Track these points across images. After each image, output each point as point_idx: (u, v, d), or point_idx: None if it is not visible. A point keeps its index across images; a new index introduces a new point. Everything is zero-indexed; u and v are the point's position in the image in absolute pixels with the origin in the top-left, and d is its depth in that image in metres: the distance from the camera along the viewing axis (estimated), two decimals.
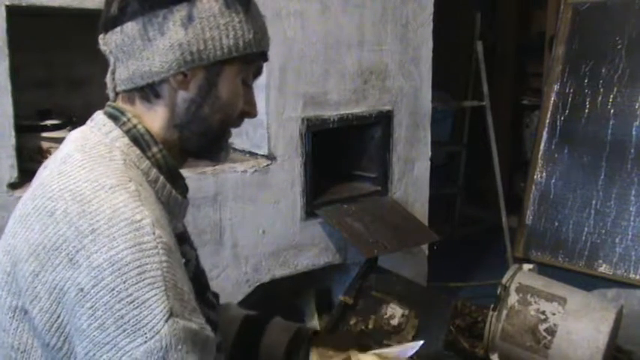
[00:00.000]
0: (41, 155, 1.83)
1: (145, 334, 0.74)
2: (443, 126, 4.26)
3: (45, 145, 1.83)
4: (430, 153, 2.66)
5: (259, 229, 2.14)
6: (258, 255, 2.14)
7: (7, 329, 0.84)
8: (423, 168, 2.64)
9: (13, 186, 1.65)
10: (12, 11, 1.58)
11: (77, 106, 2.06)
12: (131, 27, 0.89)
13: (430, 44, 2.56)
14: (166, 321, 0.75)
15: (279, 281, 2.23)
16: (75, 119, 1.93)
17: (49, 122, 1.85)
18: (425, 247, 2.67)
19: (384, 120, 2.44)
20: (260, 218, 2.13)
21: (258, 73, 1.00)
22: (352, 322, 2.03)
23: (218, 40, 0.89)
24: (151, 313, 0.75)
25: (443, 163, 4.20)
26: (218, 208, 2.01)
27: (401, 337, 1.96)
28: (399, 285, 2.12)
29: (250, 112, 0.99)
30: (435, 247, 2.73)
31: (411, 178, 2.59)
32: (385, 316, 2.03)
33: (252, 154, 2.19)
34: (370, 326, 2.01)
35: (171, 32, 0.88)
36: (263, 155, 2.15)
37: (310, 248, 2.28)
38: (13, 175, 1.65)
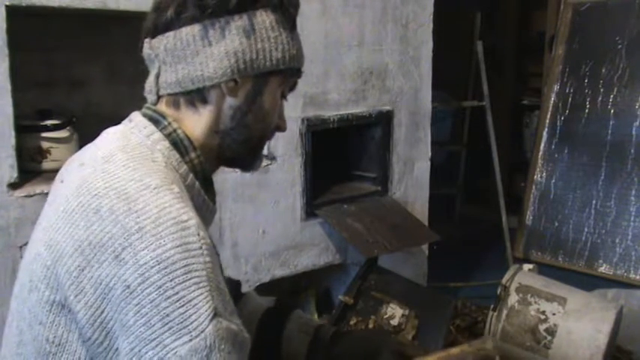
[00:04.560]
0: (41, 155, 1.82)
1: (191, 332, 0.76)
2: (443, 126, 4.26)
3: (45, 145, 1.83)
4: (430, 153, 2.66)
5: (259, 229, 2.14)
6: (258, 255, 2.15)
7: (44, 322, 0.84)
8: (423, 168, 2.64)
9: (13, 186, 1.65)
10: (12, 11, 1.58)
11: (77, 106, 2.06)
12: (185, 32, 0.91)
13: (430, 44, 2.56)
14: (211, 320, 0.77)
15: (279, 281, 2.23)
16: (75, 119, 1.93)
17: (49, 122, 1.84)
18: (425, 247, 2.67)
19: (384, 120, 2.44)
20: (260, 218, 2.13)
21: (292, 88, 1.05)
22: (352, 322, 2.02)
23: (269, 52, 0.93)
24: (196, 312, 0.76)
25: (442, 163, 4.20)
26: (218, 208, 2.00)
27: (401, 337, 1.96)
28: (399, 285, 2.12)
29: (281, 125, 1.04)
30: (435, 247, 2.73)
31: (411, 178, 2.60)
32: (385, 316, 2.03)
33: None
34: (370, 326, 2.01)
35: (228, 40, 0.90)
36: (263, 155, 2.15)
37: (310, 248, 2.28)
38: (13, 175, 1.65)
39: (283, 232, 2.20)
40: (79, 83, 2.09)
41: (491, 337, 1.44)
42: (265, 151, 2.14)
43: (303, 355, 1.21)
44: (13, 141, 1.64)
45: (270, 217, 2.16)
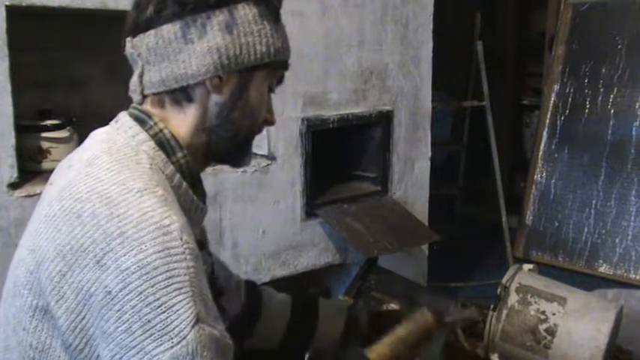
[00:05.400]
0: (41, 155, 1.82)
1: (172, 339, 0.75)
2: (443, 126, 4.26)
3: (45, 145, 1.83)
4: (430, 153, 2.66)
5: (259, 229, 2.14)
6: (258, 255, 2.14)
7: (27, 328, 0.84)
8: (423, 168, 2.64)
9: (13, 186, 1.65)
10: (12, 11, 1.58)
11: (77, 106, 2.05)
12: (167, 30, 0.89)
13: (430, 44, 2.56)
14: (193, 327, 0.76)
15: (279, 281, 2.23)
16: (75, 119, 1.93)
17: (49, 122, 1.84)
18: (425, 247, 2.67)
19: (384, 120, 2.44)
20: (260, 218, 2.13)
21: (280, 81, 1.02)
22: None
23: (252, 46, 0.91)
24: (178, 319, 0.75)
25: (442, 163, 4.20)
26: (218, 208, 2.01)
27: None
28: (399, 285, 2.12)
29: (270, 119, 1.02)
30: (435, 247, 2.73)
31: (411, 178, 2.59)
32: None
33: (252, 154, 2.19)
34: None
35: (210, 36, 0.89)
36: (263, 155, 2.15)
37: (310, 248, 2.28)
38: (13, 175, 1.64)
39: (283, 233, 2.20)
40: (79, 83, 2.09)
41: (425, 308, 1.48)
42: (265, 151, 2.14)
43: (339, 332, 1.33)
44: (13, 141, 1.64)
45: (270, 217, 2.16)
